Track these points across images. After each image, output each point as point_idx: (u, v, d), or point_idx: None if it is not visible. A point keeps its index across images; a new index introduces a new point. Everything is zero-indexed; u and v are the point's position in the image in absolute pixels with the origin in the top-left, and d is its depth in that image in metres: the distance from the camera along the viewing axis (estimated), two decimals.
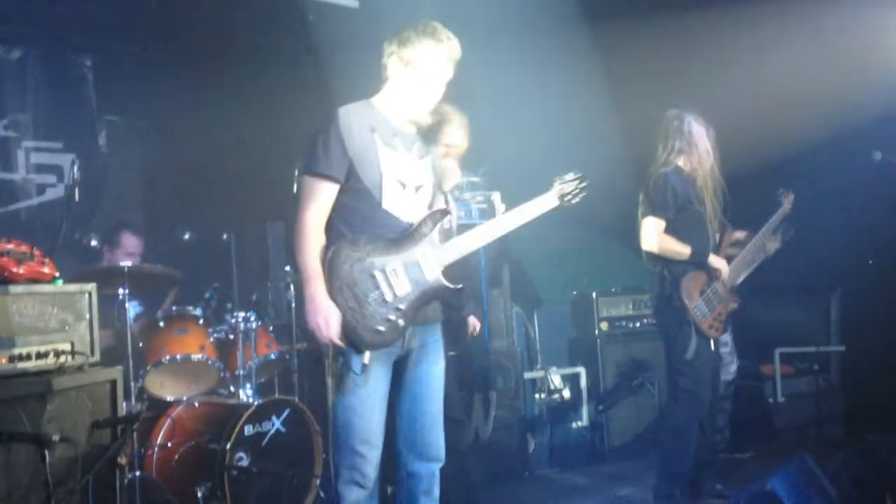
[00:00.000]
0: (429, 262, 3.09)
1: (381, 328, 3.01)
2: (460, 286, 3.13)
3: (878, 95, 4.93)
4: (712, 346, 4.55)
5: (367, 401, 3.04)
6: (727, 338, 5.31)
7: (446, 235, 3.25)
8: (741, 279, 4.76)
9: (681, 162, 4.60)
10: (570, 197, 3.35)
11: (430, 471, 3.18)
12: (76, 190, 4.57)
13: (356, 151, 3.08)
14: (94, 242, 5.22)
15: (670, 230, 4.51)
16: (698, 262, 4.52)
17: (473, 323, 4.49)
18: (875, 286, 5.84)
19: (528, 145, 5.85)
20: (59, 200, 6.05)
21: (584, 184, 3.37)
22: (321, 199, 3.08)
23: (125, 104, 6.31)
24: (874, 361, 5.80)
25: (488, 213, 5.38)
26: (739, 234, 4.85)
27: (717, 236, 4.72)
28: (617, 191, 5.14)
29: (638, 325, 6.10)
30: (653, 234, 4.49)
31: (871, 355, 5.85)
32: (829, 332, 6.28)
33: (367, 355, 3.00)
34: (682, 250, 4.51)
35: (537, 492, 5.07)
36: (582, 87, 5.85)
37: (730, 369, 5.42)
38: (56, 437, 2.87)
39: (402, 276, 3.05)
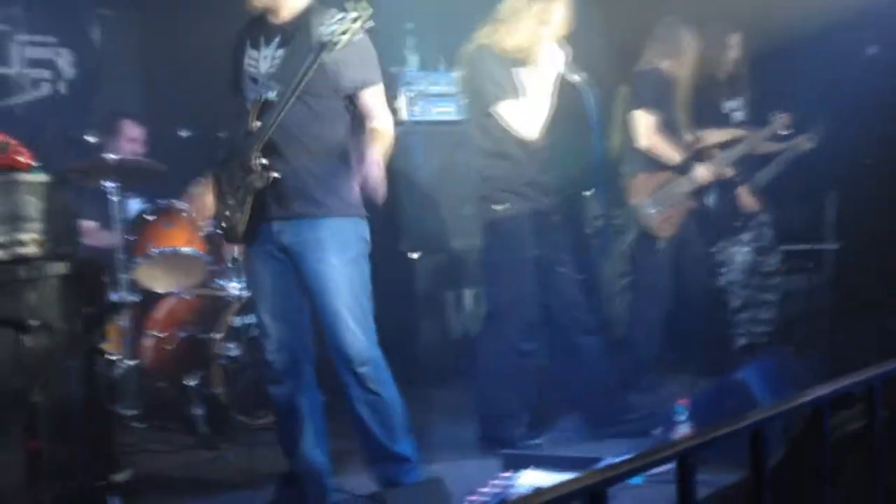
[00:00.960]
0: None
1: (224, 224, 3.19)
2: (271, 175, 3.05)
3: None
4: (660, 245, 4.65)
5: (254, 292, 3.33)
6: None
7: None
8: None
9: (664, 65, 4.67)
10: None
11: (351, 374, 3.12)
12: (62, 87, 4.58)
13: None
14: (89, 138, 5.20)
15: None
16: (684, 168, 4.65)
17: None
18: (871, 185, 5.82)
19: None
20: (52, 95, 6.07)
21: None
22: None
23: None
24: (867, 259, 5.83)
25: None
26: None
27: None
28: None
29: None
30: (646, 130, 4.57)
31: (864, 253, 5.87)
32: (823, 231, 6.26)
33: (235, 249, 3.15)
34: (672, 155, 4.60)
35: None
36: None
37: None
38: (34, 322, 2.94)
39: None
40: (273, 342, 3.22)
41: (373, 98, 3.17)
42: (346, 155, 3.14)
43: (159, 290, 4.64)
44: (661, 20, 4.74)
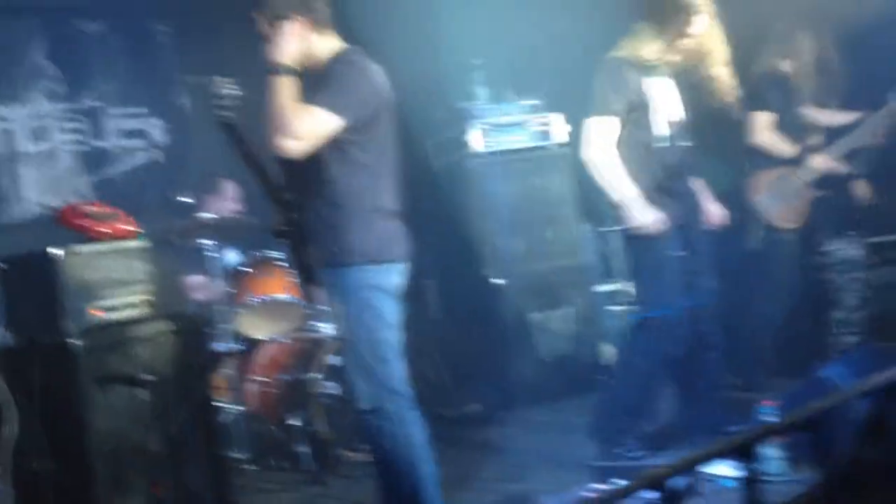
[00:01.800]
0: None
1: None
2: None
3: None
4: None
5: None
6: None
7: None
8: None
9: (783, 65, 4.87)
10: None
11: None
12: (156, 154, 4.90)
13: None
14: (185, 199, 5.48)
15: None
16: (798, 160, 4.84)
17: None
18: None
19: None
20: (148, 164, 6.43)
21: None
22: None
23: (203, 63, 6.55)
24: None
25: (546, 136, 5.49)
26: None
27: None
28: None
29: None
30: (761, 128, 4.81)
31: None
32: None
33: None
34: (786, 149, 4.82)
35: None
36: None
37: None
38: (146, 377, 3.18)
39: None
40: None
41: None
42: (343, 200, 3.11)
43: (260, 336, 4.88)
44: (776, 23, 4.89)
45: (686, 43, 3.83)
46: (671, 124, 3.92)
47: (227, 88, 3.09)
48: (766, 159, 4.90)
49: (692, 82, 3.93)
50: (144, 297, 3.51)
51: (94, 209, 3.44)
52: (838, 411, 1.89)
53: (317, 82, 3.11)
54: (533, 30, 5.35)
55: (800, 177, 4.86)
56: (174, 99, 6.61)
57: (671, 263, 3.85)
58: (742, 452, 1.51)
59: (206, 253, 4.81)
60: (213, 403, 3.62)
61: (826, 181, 4.94)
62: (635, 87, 3.83)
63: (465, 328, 5.65)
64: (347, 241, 3.08)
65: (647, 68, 3.86)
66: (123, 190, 6.13)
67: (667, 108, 3.92)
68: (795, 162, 4.86)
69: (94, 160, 6.17)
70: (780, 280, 4.86)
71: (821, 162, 4.86)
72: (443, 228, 5.74)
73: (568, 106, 5.47)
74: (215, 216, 4.93)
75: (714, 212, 4.23)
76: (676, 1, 3.77)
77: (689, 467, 1.47)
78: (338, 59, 3.12)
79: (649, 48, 3.83)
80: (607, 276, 5.88)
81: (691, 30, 3.80)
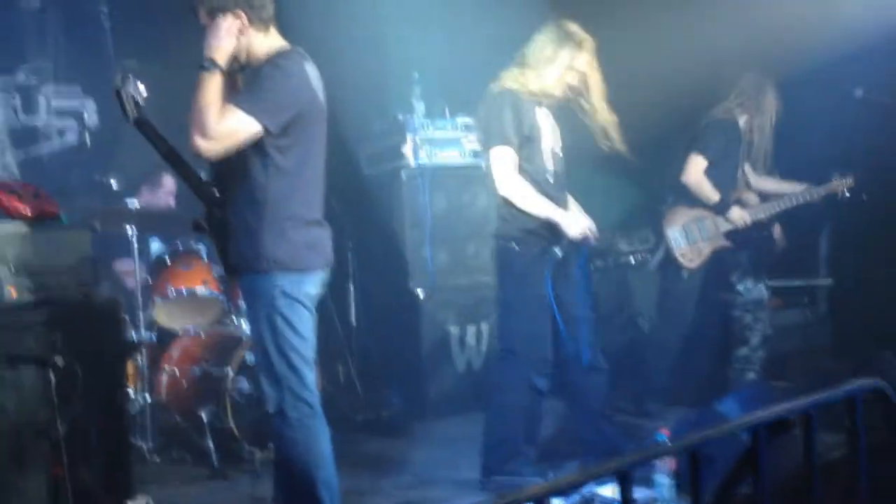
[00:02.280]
0: None
1: None
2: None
3: (855, 30, 5.02)
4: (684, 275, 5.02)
5: None
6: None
7: None
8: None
9: (742, 119, 5.12)
10: None
11: None
12: (87, 135, 4.88)
13: None
14: (113, 183, 5.46)
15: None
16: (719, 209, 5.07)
17: None
18: (863, 221, 5.98)
19: None
20: (78, 145, 6.35)
21: None
22: None
23: (142, 48, 6.51)
24: (861, 295, 5.98)
25: (478, 154, 5.60)
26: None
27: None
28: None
29: (632, 259, 6.33)
30: (695, 170, 5.04)
31: (859, 289, 6.03)
32: (818, 265, 6.44)
33: None
34: (710, 195, 5.03)
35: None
36: None
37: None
38: (59, 360, 3.18)
39: None
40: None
41: None
42: (259, 205, 3.07)
43: (175, 328, 4.89)
44: (744, 73, 5.13)
45: (569, 77, 4.00)
46: (554, 156, 4.09)
47: (133, 87, 3.05)
48: (687, 198, 5.13)
49: (572, 116, 4.11)
50: (60, 280, 3.50)
51: (17, 187, 3.42)
52: (719, 443, 2.01)
53: (247, 82, 3.12)
54: (471, 51, 5.45)
55: (715, 224, 5.11)
56: (110, 81, 6.54)
57: (542, 299, 3.99)
58: (622, 476, 1.62)
59: (129, 240, 4.79)
60: (122, 391, 3.62)
61: (739, 233, 5.17)
62: (528, 119, 3.99)
63: (384, 336, 5.72)
64: (261, 248, 3.04)
65: (535, 101, 4.03)
66: (51, 169, 6.05)
67: (551, 140, 4.10)
68: (715, 209, 5.08)
69: (24, 137, 6.07)
70: (677, 313, 5.06)
71: (739, 216, 5.08)
72: (369, 236, 5.82)
73: None
74: (143, 205, 4.92)
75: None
76: (562, 36, 3.97)
77: (571, 487, 1.58)
78: (269, 61, 3.07)
79: (535, 81, 3.98)
80: None
81: (576, 64, 3.97)
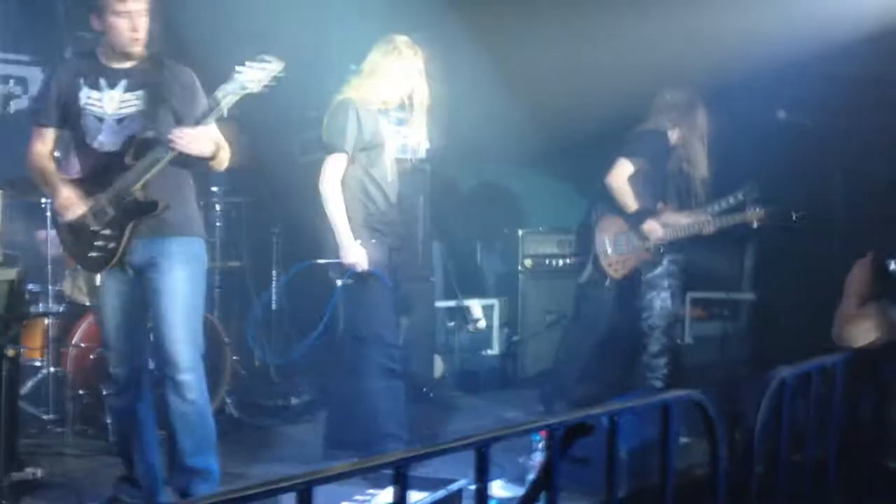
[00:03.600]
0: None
1: (93, 254, 3.43)
2: (156, 201, 3.38)
3: (777, 51, 5.10)
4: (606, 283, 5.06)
5: (106, 312, 3.52)
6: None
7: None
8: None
9: (672, 133, 5.16)
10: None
11: (173, 382, 3.42)
12: (10, 104, 4.89)
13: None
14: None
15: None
16: (635, 216, 5.06)
17: None
18: (788, 238, 6.08)
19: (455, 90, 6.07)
20: (23, 111, 6.33)
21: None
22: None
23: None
24: (782, 311, 6.09)
25: (407, 149, 5.65)
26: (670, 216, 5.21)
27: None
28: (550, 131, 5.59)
29: (561, 263, 6.40)
30: (620, 173, 5.04)
31: (780, 305, 6.13)
32: (741, 280, 6.54)
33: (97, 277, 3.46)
34: (630, 203, 5.04)
35: (433, 410, 5.43)
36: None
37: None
38: None
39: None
40: (117, 356, 3.55)
41: None
42: (188, 175, 3.55)
43: (85, 302, 4.88)
44: (676, 88, 5.16)
45: (402, 86, 4.22)
46: (392, 164, 4.30)
47: None
48: (616, 207, 5.14)
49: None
50: None
51: None
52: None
53: None
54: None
55: (640, 237, 5.13)
56: (58, 51, 6.53)
57: (383, 297, 4.20)
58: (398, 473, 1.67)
59: (46, 210, 4.79)
60: (11, 361, 3.62)
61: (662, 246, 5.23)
62: (369, 126, 4.16)
63: (304, 323, 5.74)
64: (194, 213, 3.60)
65: (375, 109, 4.23)
66: None
67: (391, 149, 4.31)
68: (632, 217, 5.12)
69: None
70: (591, 319, 5.12)
71: (651, 229, 5.09)
72: (300, 222, 5.83)
73: (429, 121, 5.65)
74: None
75: None
76: (389, 48, 4.19)
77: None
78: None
79: (372, 91, 4.20)
80: (449, 293, 6.10)
81: (403, 74, 4.20)
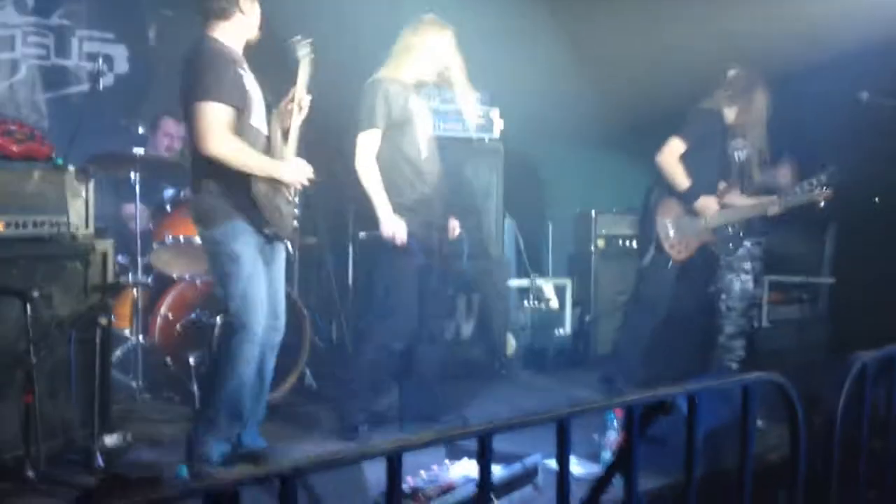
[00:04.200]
0: None
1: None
2: None
3: (860, 32, 4.99)
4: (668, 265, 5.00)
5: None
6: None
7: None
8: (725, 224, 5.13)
9: (728, 112, 5.10)
10: None
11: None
12: (100, 81, 5.06)
13: None
14: (140, 129, 5.63)
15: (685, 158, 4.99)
16: (689, 195, 5.00)
17: (452, 226, 4.74)
18: (871, 223, 5.98)
19: (527, 70, 6.08)
20: (108, 88, 6.53)
21: None
22: None
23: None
24: (862, 296, 5.99)
25: (486, 128, 5.69)
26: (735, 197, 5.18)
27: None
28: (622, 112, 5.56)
29: (634, 244, 6.37)
30: (670, 152, 4.98)
31: (860, 289, 6.03)
32: (821, 264, 6.43)
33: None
34: (680, 181, 4.97)
35: (503, 387, 5.49)
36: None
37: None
38: (35, 293, 3.35)
39: None
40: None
41: None
42: None
43: (172, 274, 5.06)
44: (736, 67, 5.09)
45: (435, 64, 4.29)
46: (428, 140, 4.36)
47: None
48: (671, 188, 5.06)
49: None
50: (49, 218, 3.67)
51: (12, 128, 3.58)
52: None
53: None
54: (483, 28, 5.52)
55: (700, 219, 5.08)
56: (142, 29, 6.71)
57: (406, 272, 4.27)
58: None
59: (133, 186, 4.97)
60: (105, 329, 3.77)
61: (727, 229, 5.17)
62: (398, 105, 4.24)
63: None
64: None
65: (408, 88, 4.30)
66: (75, 111, 6.22)
67: (424, 125, 4.35)
68: (684, 196, 5.04)
69: (53, 77, 6.26)
70: (656, 300, 5.08)
71: (704, 206, 5.03)
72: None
73: (503, 103, 5.69)
74: (149, 151, 5.08)
75: (453, 226, 4.60)
76: (420, 27, 4.28)
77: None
78: None
79: (404, 70, 4.28)
80: (522, 272, 6.15)
81: (436, 51, 4.27)
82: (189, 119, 3.56)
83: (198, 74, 3.53)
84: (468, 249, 4.71)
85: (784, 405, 2.28)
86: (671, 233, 5.03)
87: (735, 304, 5.22)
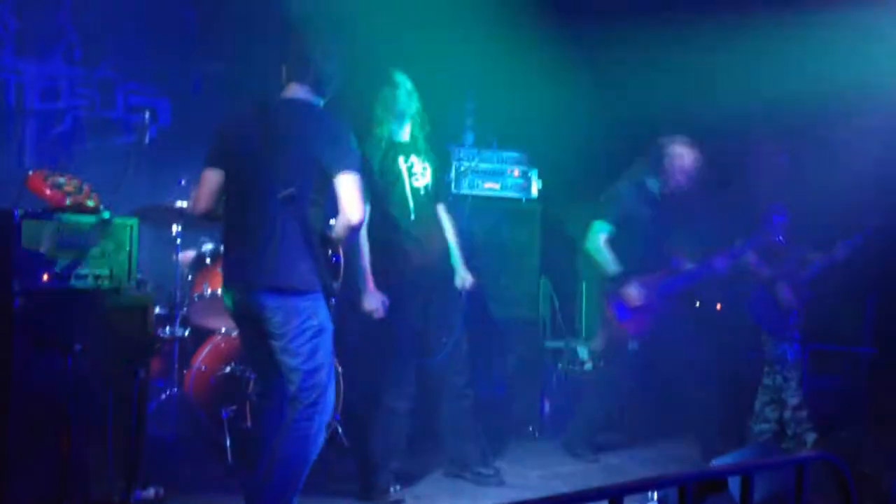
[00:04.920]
0: None
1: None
2: None
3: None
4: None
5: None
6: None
7: None
8: None
9: (649, 181, 5.08)
10: None
11: None
12: (147, 134, 5.12)
13: None
14: (182, 182, 5.68)
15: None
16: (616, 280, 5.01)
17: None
18: None
19: (565, 132, 6.12)
20: (151, 140, 6.61)
21: None
22: None
23: (222, 52, 6.76)
24: None
25: (525, 188, 5.71)
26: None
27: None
28: None
29: None
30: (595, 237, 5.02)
31: None
32: (861, 334, 6.32)
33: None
34: (610, 266, 5.00)
35: (536, 451, 5.42)
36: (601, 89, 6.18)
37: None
38: (77, 347, 3.36)
39: None
40: None
41: None
42: None
43: (208, 327, 5.07)
44: (654, 140, 5.10)
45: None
46: (417, 197, 4.39)
47: None
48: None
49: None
50: (97, 271, 3.70)
51: (62, 180, 3.61)
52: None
53: None
54: (524, 85, 5.59)
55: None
56: (186, 82, 6.82)
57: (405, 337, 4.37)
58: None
59: (174, 238, 5.01)
60: (142, 381, 3.77)
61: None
62: (392, 164, 4.33)
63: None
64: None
65: (397, 147, 4.39)
66: (118, 162, 6.30)
67: (413, 182, 4.40)
68: (613, 280, 5.00)
69: (97, 129, 6.37)
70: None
71: (631, 293, 4.98)
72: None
73: (542, 164, 5.73)
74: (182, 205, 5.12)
75: (462, 276, 4.60)
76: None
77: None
78: None
79: (388, 128, 4.39)
80: (553, 331, 6.11)
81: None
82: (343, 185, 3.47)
83: (350, 145, 3.54)
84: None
85: (836, 485, 2.22)
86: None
87: (792, 374, 5.16)
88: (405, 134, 4.44)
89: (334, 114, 3.63)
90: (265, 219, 3.48)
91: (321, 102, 3.67)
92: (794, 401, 5.30)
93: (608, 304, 5.05)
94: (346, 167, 3.45)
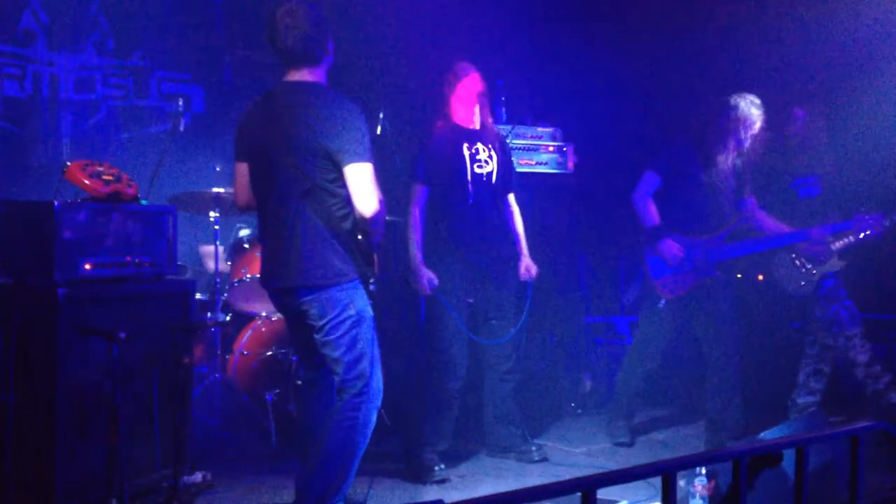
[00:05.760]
0: None
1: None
2: None
3: None
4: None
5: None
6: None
7: None
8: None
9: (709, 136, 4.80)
10: None
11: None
12: (181, 122, 5.13)
13: None
14: (217, 168, 5.72)
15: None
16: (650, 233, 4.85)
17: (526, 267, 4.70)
18: None
19: (600, 106, 6.05)
20: (186, 127, 6.64)
21: None
22: None
23: (253, 38, 6.76)
24: None
25: (561, 164, 5.65)
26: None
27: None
28: None
29: None
30: (642, 189, 4.85)
31: None
32: None
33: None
34: (647, 218, 4.83)
35: (578, 426, 5.40)
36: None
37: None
38: (122, 335, 3.39)
39: None
40: None
41: None
42: None
43: (249, 312, 5.10)
44: (723, 97, 4.80)
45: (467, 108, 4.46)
46: (478, 184, 4.40)
47: None
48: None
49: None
50: (138, 258, 3.72)
51: (100, 169, 3.64)
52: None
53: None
54: (556, 60, 5.53)
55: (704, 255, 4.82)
56: (218, 69, 6.83)
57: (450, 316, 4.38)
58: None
59: (213, 224, 5.04)
60: (186, 368, 3.80)
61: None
62: (455, 149, 4.36)
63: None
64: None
65: (462, 133, 4.42)
66: (153, 150, 6.35)
67: (475, 168, 4.42)
68: (648, 233, 4.83)
69: (131, 118, 6.41)
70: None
71: (666, 248, 4.75)
72: None
73: (578, 139, 5.66)
74: (228, 190, 5.14)
75: (527, 266, 4.64)
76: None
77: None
78: None
79: (448, 117, 4.44)
80: (596, 308, 6.06)
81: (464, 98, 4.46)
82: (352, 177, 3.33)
83: (360, 132, 3.36)
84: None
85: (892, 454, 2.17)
86: (666, 274, 4.82)
87: (853, 332, 5.05)
88: (473, 122, 4.47)
89: (343, 97, 3.42)
90: (286, 215, 3.36)
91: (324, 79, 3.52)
92: (863, 357, 5.11)
93: (644, 257, 4.89)
94: (356, 157, 3.29)
